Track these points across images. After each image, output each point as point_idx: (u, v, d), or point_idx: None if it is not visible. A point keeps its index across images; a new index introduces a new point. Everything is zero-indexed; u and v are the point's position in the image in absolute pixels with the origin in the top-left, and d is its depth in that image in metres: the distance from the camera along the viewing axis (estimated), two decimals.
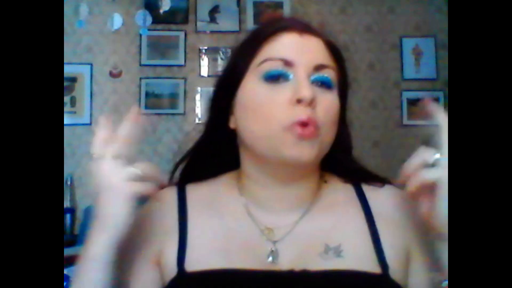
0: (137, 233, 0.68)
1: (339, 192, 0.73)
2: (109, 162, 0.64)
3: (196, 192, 0.73)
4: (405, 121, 3.37)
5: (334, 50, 0.71)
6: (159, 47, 3.31)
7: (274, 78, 0.65)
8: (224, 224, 0.69)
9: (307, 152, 0.64)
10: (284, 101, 0.64)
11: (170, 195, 0.73)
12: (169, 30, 3.31)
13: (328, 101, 0.66)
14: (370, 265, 0.64)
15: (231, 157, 0.74)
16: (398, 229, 0.69)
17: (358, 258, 0.65)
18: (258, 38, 0.69)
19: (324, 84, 0.66)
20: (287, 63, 0.65)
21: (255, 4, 3.32)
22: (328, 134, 0.67)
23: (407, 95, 3.38)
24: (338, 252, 0.65)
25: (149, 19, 2.62)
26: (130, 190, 0.61)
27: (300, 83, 0.64)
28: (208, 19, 3.30)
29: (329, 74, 0.67)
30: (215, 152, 0.75)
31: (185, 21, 3.33)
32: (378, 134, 3.38)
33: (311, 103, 0.63)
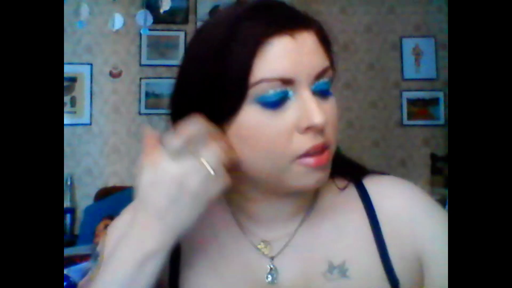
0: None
1: (339, 193, 0.65)
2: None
3: None
4: (405, 121, 3.38)
5: (325, 38, 0.59)
6: (159, 47, 3.32)
7: (273, 101, 0.53)
8: (218, 240, 0.63)
9: (321, 179, 0.56)
10: (289, 129, 0.54)
11: None
12: (169, 30, 3.32)
13: (331, 112, 0.56)
14: (379, 283, 0.58)
15: None
16: (407, 232, 0.61)
17: (365, 277, 0.58)
18: (244, 45, 0.53)
19: (325, 91, 0.56)
20: (286, 82, 0.53)
21: None
22: (334, 148, 0.58)
23: (407, 95, 3.38)
24: (343, 271, 0.59)
25: (150, 19, 2.62)
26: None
27: (308, 105, 0.53)
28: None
29: (328, 77, 0.57)
30: None
31: (185, 21, 3.34)
32: (378, 134, 3.38)
33: (324, 129, 0.54)
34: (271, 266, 0.60)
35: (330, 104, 0.57)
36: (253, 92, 0.53)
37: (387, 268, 0.59)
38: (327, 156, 0.55)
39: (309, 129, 0.53)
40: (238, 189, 0.61)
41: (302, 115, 0.53)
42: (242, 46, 0.53)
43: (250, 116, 0.54)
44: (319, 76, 0.55)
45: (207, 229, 0.63)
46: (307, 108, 0.53)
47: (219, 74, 0.54)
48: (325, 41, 0.59)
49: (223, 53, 0.54)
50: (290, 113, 0.54)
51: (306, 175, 0.55)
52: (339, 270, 0.59)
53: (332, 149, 0.57)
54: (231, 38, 0.53)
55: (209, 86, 0.55)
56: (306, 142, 0.54)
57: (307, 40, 0.55)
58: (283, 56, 0.53)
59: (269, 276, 0.60)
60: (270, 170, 0.56)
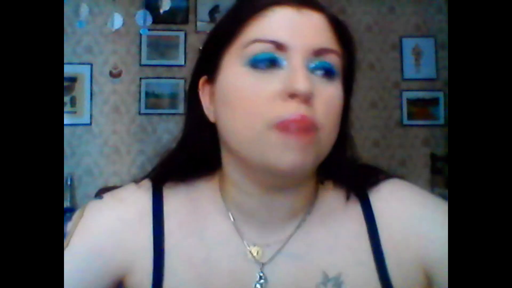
0: (105, 239, 0.60)
1: (338, 199, 0.61)
2: None
3: (174, 200, 0.62)
4: (405, 121, 3.38)
5: (340, 29, 0.57)
6: (159, 47, 3.31)
7: (263, 64, 0.52)
8: (206, 242, 0.58)
9: (300, 159, 0.50)
10: (273, 94, 0.51)
11: (144, 201, 0.61)
12: (169, 30, 3.31)
13: (330, 95, 0.53)
14: None
15: (214, 155, 0.62)
16: (408, 239, 0.57)
17: None
18: (245, 12, 0.54)
19: (326, 73, 0.53)
20: (280, 47, 0.52)
21: None
22: (328, 136, 0.54)
23: (407, 95, 3.38)
24: (338, 284, 0.55)
25: (150, 19, 2.62)
26: None
27: (295, 72, 0.51)
28: (208, 19, 3.30)
29: (332, 60, 0.54)
30: (196, 149, 0.62)
31: (185, 21, 3.33)
32: (378, 134, 3.38)
33: (308, 99, 0.50)
34: (261, 274, 0.56)
35: (332, 89, 0.54)
36: (246, 53, 0.53)
37: (383, 281, 0.56)
38: (311, 139, 0.51)
39: (292, 96, 0.50)
40: (228, 176, 0.59)
41: (288, 82, 0.51)
42: (245, 10, 0.55)
43: (238, 77, 0.53)
44: (318, 52, 0.53)
45: (198, 228, 0.60)
46: (294, 75, 0.51)
47: (219, 31, 0.57)
48: (340, 33, 0.57)
49: (230, 15, 0.57)
50: (277, 79, 0.51)
51: (282, 150, 0.50)
52: (334, 282, 0.55)
53: (324, 137, 0.53)
54: (240, 5, 0.57)
55: (211, 44, 0.58)
56: (287, 109, 0.50)
57: (313, 17, 0.54)
58: (281, 22, 0.53)
59: (258, 285, 0.56)
60: (247, 137, 0.52)
